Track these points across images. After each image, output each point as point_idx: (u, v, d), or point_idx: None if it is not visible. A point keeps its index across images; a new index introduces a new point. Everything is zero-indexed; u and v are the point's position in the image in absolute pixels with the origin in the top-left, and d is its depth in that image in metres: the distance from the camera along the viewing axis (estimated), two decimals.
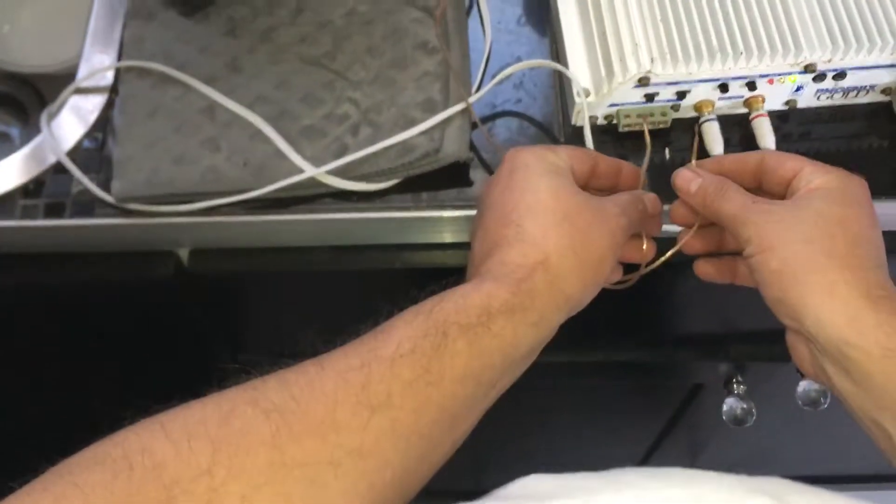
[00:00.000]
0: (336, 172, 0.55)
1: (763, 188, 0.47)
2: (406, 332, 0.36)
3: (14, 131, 0.81)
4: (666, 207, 0.51)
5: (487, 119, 0.59)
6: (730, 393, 0.81)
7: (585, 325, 0.76)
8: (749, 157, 0.48)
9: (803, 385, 0.79)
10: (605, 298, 0.63)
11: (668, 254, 0.50)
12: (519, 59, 0.61)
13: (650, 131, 0.56)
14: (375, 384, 0.33)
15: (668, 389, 0.89)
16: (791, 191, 0.45)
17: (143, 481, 0.28)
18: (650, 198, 0.49)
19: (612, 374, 0.83)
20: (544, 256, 0.40)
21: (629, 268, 0.51)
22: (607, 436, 1.04)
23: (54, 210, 0.56)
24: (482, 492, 0.33)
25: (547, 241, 0.41)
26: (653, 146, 0.54)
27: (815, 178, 0.44)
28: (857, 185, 0.44)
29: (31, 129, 0.82)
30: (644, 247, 0.49)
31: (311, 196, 0.56)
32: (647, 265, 0.51)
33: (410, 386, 0.34)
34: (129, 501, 0.27)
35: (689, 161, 0.50)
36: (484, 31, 0.63)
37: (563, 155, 0.46)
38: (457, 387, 0.35)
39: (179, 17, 0.62)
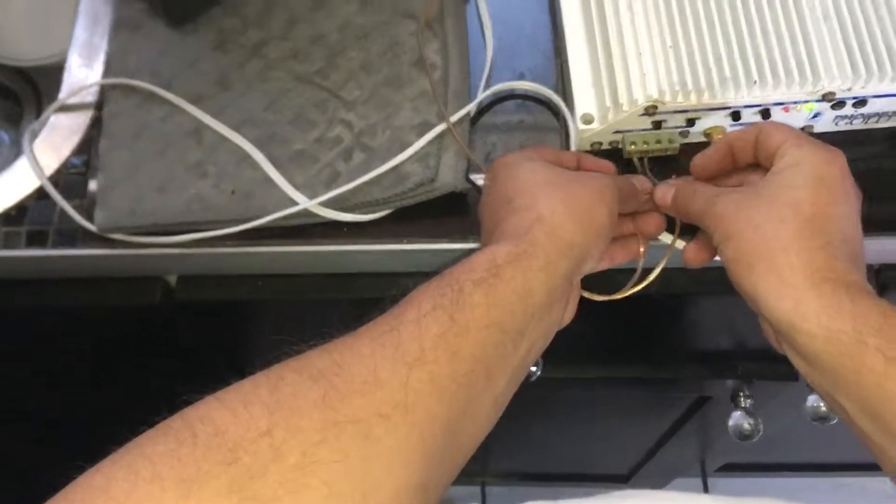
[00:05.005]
0: (327, 202, 0.53)
1: (760, 162, 0.48)
2: (424, 296, 0.38)
3: (4, 136, 0.79)
4: None
5: (486, 141, 0.57)
6: (737, 406, 0.79)
7: (597, 341, 0.74)
8: (750, 132, 0.48)
9: (812, 400, 0.76)
10: (616, 314, 0.61)
11: (660, 265, 0.52)
12: (522, 76, 0.58)
13: (651, 159, 0.54)
14: (407, 343, 0.35)
15: (674, 400, 0.87)
16: (772, 166, 0.45)
17: (208, 447, 0.29)
18: (637, 177, 0.51)
19: (621, 387, 0.82)
20: (537, 215, 0.43)
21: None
22: (611, 436, 1.03)
23: (37, 238, 0.54)
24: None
25: (537, 204, 0.44)
26: (656, 173, 0.53)
27: (788, 152, 0.44)
28: (823, 161, 0.43)
29: (23, 129, 0.80)
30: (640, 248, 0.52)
31: (299, 225, 0.54)
32: (641, 279, 0.52)
33: (440, 338, 0.35)
34: (196, 467, 0.28)
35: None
36: (486, 45, 0.59)
37: (531, 150, 0.51)
38: (483, 335, 0.37)
39: (167, 28, 0.59)
